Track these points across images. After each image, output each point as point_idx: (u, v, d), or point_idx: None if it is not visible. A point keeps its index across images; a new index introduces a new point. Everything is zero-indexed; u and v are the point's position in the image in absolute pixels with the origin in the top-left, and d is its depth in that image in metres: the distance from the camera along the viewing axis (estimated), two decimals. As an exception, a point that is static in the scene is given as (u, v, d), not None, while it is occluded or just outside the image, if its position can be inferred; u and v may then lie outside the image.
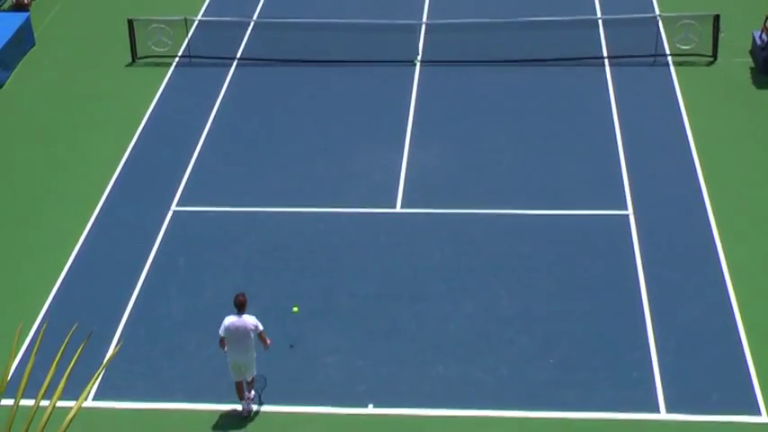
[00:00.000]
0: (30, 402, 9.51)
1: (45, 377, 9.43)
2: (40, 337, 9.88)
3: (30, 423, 8.93)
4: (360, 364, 17.53)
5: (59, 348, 9.86)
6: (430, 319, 18.54)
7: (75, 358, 9.55)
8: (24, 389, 9.33)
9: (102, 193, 22.38)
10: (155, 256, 20.40)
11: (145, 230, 21.13)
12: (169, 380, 17.41)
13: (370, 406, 16.73)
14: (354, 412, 16.61)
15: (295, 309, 16.54)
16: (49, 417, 8.88)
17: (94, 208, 21.90)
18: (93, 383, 9.29)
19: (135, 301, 19.19)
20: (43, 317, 18.86)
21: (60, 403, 9.23)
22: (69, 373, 9.50)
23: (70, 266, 20.21)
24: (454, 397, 16.81)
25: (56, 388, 9.49)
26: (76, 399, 9.66)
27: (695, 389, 16.80)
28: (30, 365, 9.39)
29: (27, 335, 18.34)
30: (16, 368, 17.24)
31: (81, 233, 21.13)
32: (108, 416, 16.65)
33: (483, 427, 16.24)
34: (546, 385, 16.99)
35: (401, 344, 18.00)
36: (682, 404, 16.51)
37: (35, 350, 9.43)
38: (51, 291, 19.55)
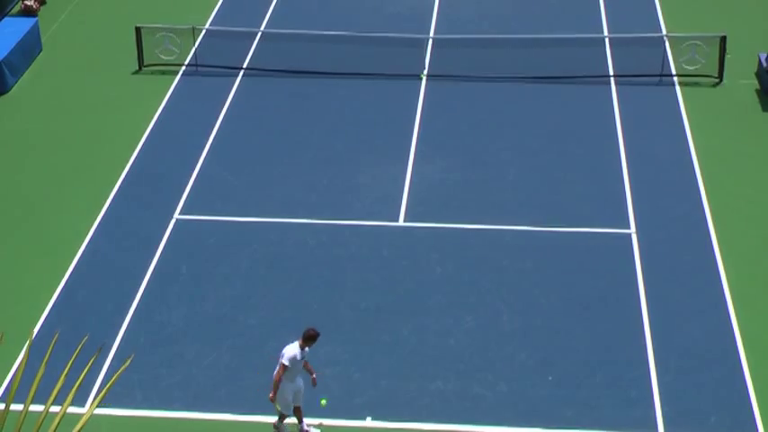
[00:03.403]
0: (36, 409, 9.51)
1: (49, 385, 9.44)
2: (50, 347, 9.88)
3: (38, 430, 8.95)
4: (359, 376, 17.53)
5: (62, 356, 9.87)
6: (430, 333, 18.54)
7: (85, 371, 9.55)
8: (16, 394, 9.34)
9: (106, 200, 22.41)
10: (157, 263, 20.43)
11: (147, 238, 21.15)
12: (168, 388, 17.41)
13: (369, 419, 16.72)
14: (352, 425, 16.60)
15: (323, 402, 16.17)
16: (57, 425, 8.89)
17: (98, 214, 21.93)
18: (104, 395, 9.25)
19: (136, 309, 19.20)
20: (44, 322, 18.87)
21: (57, 409, 9.23)
22: (65, 381, 9.49)
23: (72, 272, 20.24)
24: (452, 412, 16.80)
25: (60, 397, 9.51)
26: (76, 406, 9.67)
27: (694, 409, 16.79)
28: (39, 374, 9.40)
29: (26, 340, 18.33)
30: (15, 374, 17.26)
31: (84, 239, 21.16)
32: (106, 423, 16.63)
33: (481, 443, 16.25)
34: (544, 402, 16.98)
35: (401, 357, 18.00)
36: (680, 424, 16.49)
37: (45, 359, 9.43)
38: (53, 296, 19.56)
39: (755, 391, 17.14)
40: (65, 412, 8.85)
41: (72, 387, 9.32)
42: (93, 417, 16.59)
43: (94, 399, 17.07)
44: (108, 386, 9.38)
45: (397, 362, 17.88)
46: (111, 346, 18.25)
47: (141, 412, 16.91)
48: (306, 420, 16.34)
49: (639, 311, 18.97)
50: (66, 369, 9.30)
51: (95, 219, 21.79)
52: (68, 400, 8.98)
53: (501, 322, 18.79)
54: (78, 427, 8.88)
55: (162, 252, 20.75)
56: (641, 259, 20.36)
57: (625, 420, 16.57)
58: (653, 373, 17.53)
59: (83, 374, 9.35)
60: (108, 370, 17.72)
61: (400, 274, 20.08)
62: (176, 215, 21.91)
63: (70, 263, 20.47)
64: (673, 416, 16.64)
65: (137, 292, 19.62)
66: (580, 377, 17.48)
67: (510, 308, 19.13)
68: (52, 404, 9.00)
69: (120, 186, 22.95)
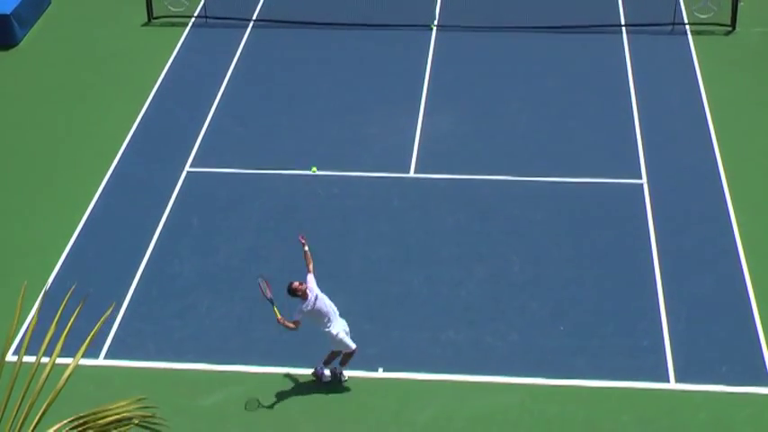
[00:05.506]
0: (32, 359, 9.57)
1: (50, 336, 9.49)
2: (40, 298, 9.94)
3: (31, 379, 9.01)
4: (370, 327, 17.57)
5: (69, 308, 9.91)
6: (441, 283, 18.57)
7: (72, 318, 9.58)
8: (27, 346, 9.39)
9: (117, 153, 22.41)
10: (168, 216, 20.45)
11: (158, 190, 21.17)
12: (180, 340, 17.49)
13: (380, 370, 16.79)
14: (364, 375, 16.67)
15: (314, 169, 15.89)
16: (48, 373, 8.95)
17: (108, 167, 21.93)
18: (87, 346, 9.28)
19: (147, 261, 19.25)
20: (56, 275, 18.94)
21: (61, 361, 9.27)
22: (71, 333, 9.54)
23: (83, 225, 20.28)
24: (464, 362, 16.86)
25: (61, 346, 9.57)
26: (85, 357, 9.74)
27: (705, 358, 16.82)
28: (32, 324, 9.44)
29: (39, 293, 18.39)
30: (24, 326, 17.37)
31: (95, 192, 21.17)
32: (119, 375, 16.75)
33: (492, 393, 16.29)
34: (556, 352, 17.02)
35: (412, 308, 18.04)
36: (691, 373, 16.53)
37: (37, 309, 9.46)
38: (64, 249, 19.61)
39: (767, 340, 17.14)
40: (53, 364, 8.90)
41: (81, 339, 9.36)
42: (105, 368, 16.73)
43: (103, 350, 17.19)
44: (90, 336, 9.38)
45: (408, 313, 17.93)
46: (124, 298, 18.32)
47: (154, 364, 17.01)
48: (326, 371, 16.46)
49: (651, 261, 18.95)
50: (54, 321, 9.31)
51: (106, 172, 21.79)
52: (56, 351, 9.04)
53: (512, 273, 18.80)
54: (65, 375, 8.95)
55: (173, 205, 20.77)
56: (653, 209, 20.31)
57: (636, 370, 16.61)
58: (664, 322, 17.55)
59: (68, 326, 9.36)
60: (121, 322, 17.80)
61: (411, 225, 20.08)
62: (187, 168, 21.90)
63: (81, 216, 20.50)
64: (684, 365, 16.67)
65: (148, 244, 19.67)
66: (591, 327, 17.51)
67: (521, 258, 19.13)
68: (54, 355, 9.06)
69: (130, 139, 22.93)
